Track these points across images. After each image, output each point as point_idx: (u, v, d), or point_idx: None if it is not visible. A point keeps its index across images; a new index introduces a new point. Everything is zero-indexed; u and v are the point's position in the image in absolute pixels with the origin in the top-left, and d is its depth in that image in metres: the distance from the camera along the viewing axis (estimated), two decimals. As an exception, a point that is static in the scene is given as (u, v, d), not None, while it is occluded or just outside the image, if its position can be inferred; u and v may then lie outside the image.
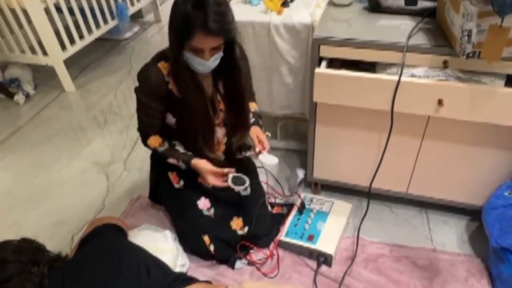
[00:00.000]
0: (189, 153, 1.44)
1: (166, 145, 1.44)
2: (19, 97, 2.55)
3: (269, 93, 1.70)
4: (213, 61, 1.24)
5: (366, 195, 1.52)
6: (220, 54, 1.24)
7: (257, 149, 1.41)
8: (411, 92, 1.21)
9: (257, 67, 1.63)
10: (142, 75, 1.33)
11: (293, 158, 1.96)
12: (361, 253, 1.51)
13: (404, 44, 1.19)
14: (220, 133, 1.48)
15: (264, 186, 1.73)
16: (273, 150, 1.99)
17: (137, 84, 1.34)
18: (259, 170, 1.69)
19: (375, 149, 1.47)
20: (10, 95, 2.56)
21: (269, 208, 1.64)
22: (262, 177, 1.80)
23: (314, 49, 1.30)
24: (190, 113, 1.35)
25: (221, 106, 1.42)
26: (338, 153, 1.56)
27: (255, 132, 1.46)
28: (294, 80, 1.62)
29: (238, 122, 1.46)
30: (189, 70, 1.26)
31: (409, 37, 1.22)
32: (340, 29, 1.32)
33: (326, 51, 1.30)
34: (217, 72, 1.32)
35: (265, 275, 1.46)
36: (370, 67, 1.35)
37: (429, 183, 1.54)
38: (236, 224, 1.51)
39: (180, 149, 1.45)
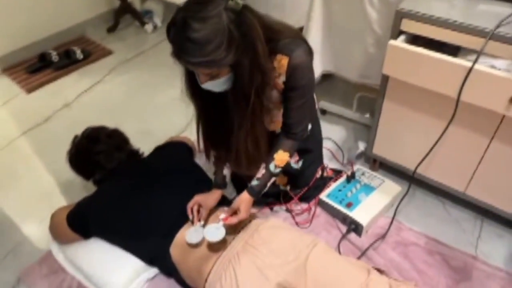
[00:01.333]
0: (223, 176, 1.39)
1: None
2: (148, 27, 2.98)
3: (351, 59, 1.72)
4: (212, 85, 1.07)
5: (423, 184, 1.48)
6: (224, 79, 1.05)
7: (221, 216, 1.25)
8: (483, 83, 1.15)
9: (343, 31, 1.66)
10: None
11: (361, 131, 1.98)
12: (395, 235, 1.52)
13: (489, 30, 1.12)
14: None
15: (327, 152, 1.79)
16: (345, 119, 2.04)
17: None
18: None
19: (442, 138, 1.42)
20: (142, 24, 3.01)
21: (320, 172, 1.69)
22: (326, 143, 1.86)
23: (395, 22, 1.29)
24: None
25: None
26: (401, 133, 1.54)
27: (239, 203, 1.26)
28: (378, 51, 1.61)
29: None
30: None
31: (499, 24, 1.13)
32: (431, 6, 1.27)
33: (407, 26, 1.28)
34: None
35: (297, 224, 1.58)
36: (453, 51, 1.29)
37: (491, 189, 1.44)
38: (281, 180, 1.58)
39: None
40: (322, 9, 1.66)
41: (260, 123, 1.18)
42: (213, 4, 0.93)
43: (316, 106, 1.48)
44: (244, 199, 1.27)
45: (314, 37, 1.72)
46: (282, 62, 1.11)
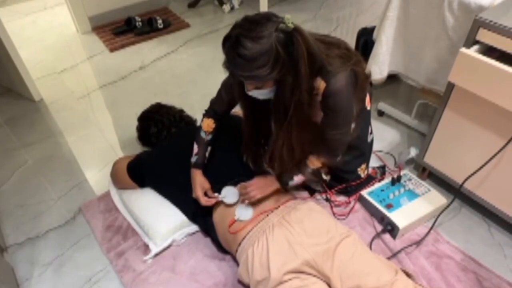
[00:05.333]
0: (200, 159, 1.44)
1: (207, 137, 1.46)
2: (226, 7, 3.11)
3: (421, 62, 1.70)
4: (257, 93, 1.17)
5: (472, 202, 1.45)
6: (268, 90, 1.16)
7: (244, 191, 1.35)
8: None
9: (417, 34, 1.65)
10: None
11: (415, 139, 1.95)
12: (430, 245, 1.51)
13: None
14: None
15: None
16: (402, 124, 2.02)
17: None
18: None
19: (498, 157, 1.38)
20: (221, 4, 3.14)
21: (365, 170, 1.68)
22: (376, 145, 1.86)
23: (472, 30, 1.27)
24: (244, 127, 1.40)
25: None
26: (456, 145, 1.51)
27: (266, 183, 1.36)
28: (450, 59, 1.58)
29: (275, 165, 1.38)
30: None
31: None
32: (513, 19, 1.23)
33: (483, 36, 1.25)
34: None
35: (334, 214, 1.62)
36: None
37: (543, 219, 1.38)
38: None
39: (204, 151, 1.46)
40: (399, 10, 1.65)
41: (297, 134, 1.25)
42: (266, 25, 1.02)
43: (369, 106, 1.49)
44: (266, 181, 1.38)
45: (387, 37, 1.72)
46: (320, 85, 1.19)
